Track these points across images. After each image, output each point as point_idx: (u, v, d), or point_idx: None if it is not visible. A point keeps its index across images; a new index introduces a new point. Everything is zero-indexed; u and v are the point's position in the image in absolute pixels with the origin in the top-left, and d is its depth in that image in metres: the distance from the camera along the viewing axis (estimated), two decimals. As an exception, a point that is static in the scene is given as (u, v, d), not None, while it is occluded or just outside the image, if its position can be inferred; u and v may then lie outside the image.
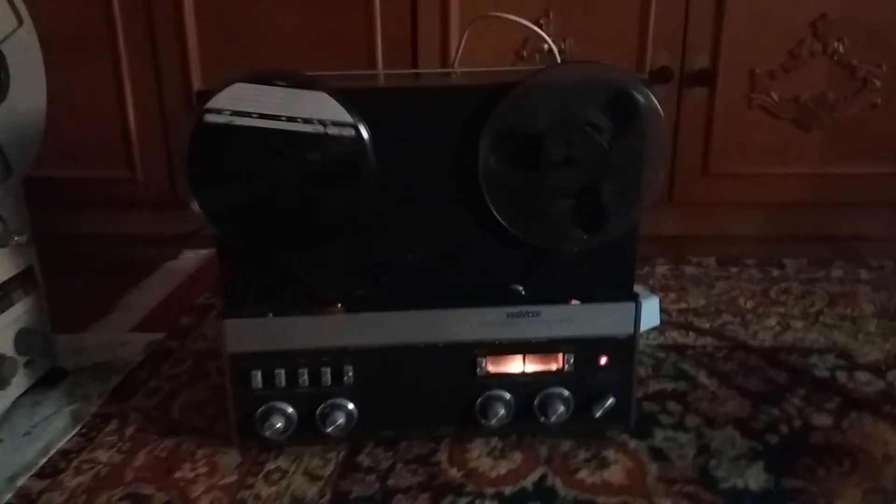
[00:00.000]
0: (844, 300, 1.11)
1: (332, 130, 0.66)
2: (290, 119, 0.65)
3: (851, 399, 0.84)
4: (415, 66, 1.31)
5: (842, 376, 0.89)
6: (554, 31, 1.27)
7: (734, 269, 1.23)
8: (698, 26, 1.26)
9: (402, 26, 1.30)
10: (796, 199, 1.35)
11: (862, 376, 0.89)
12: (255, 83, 0.65)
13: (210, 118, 0.65)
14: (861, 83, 1.27)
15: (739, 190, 1.34)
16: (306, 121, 0.65)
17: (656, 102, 0.68)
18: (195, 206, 0.67)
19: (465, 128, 0.68)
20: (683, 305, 1.10)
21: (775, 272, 1.22)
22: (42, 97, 0.85)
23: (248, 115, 0.65)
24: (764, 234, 1.38)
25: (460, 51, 0.82)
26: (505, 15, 0.82)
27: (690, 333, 1.01)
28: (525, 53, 1.29)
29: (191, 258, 1.33)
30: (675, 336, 1.01)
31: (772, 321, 1.04)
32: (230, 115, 0.65)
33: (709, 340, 0.99)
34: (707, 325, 1.03)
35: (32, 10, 0.84)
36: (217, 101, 0.65)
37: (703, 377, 0.90)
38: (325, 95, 0.65)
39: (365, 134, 0.67)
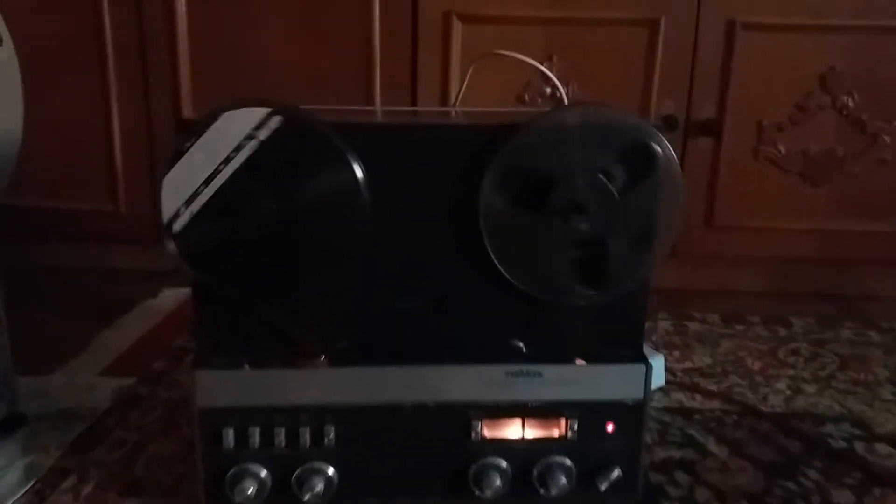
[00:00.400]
0: (856, 364, 1.05)
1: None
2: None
3: (872, 474, 0.78)
4: (414, 104, 1.28)
5: (860, 447, 0.83)
6: (556, 75, 1.23)
7: (739, 327, 1.18)
8: (705, 75, 1.23)
9: (403, 63, 1.27)
10: (802, 255, 1.30)
11: (882, 448, 0.83)
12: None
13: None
14: (871, 139, 1.24)
15: (744, 244, 1.30)
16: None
17: (673, 152, 0.63)
18: (171, 245, 0.61)
19: (468, 168, 0.63)
20: (688, 365, 1.04)
21: (782, 331, 1.17)
22: (18, 121, 0.80)
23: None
24: (768, 289, 1.33)
25: (464, 88, 0.78)
26: (511, 54, 0.78)
27: (697, 396, 0.95)
28: (527, 97, 1.26)
29: (170, 297, 1.27)
30: (682, 398, 0.95)
31: (782, 384, 0.99)
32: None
33: (717, 404, 0.93)
34: (714, 388, 0.98)
35: (15, 26, 0.80)
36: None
37: (712, 445, 0.84)
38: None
39: (359, 172, 0.62)
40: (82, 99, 1.30)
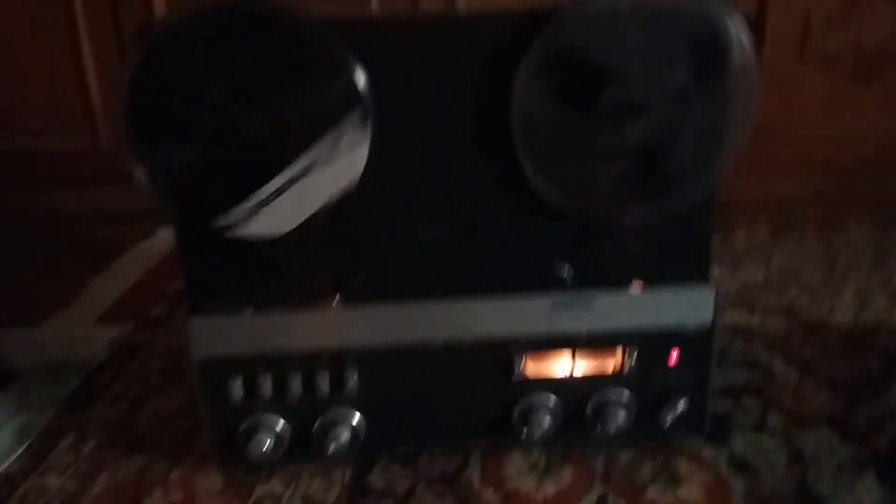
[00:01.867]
0: (925, 269, 0.96)
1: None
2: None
3: (964, 390, 0.69)
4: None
5: (945, 362, 0.74)
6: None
7: (792, 237, 1.07)
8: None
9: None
10: (852, 159, 1.19)
11: (968, 361, 0.74)
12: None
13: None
14: (931, 27, 1.10)
15: (792, 150, 1.18)
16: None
17: (747, 34, 0.51)
18: (139, 173, 0.51)
19: (496, 66, 0.51)
20: (742, 280, 0.95)
21: (839, 239, 1.06)
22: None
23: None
24: (818, 197, 1.22)
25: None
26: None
27: (756, 313, 0.86)
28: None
29: (165, 237, 1.18)
30: (738, 317, 0.85)
31: (847, 296, 0.89)
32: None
33: (778, 321, 0.84)
34: (773, 303, 0.88)
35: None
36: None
37: (779, 366, 0.75)
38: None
39: (362, 79, 0.50)
40: (50, 32, 1.18)
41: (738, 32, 0.51)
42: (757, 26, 1.12)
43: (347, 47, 0.50)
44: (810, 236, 1.08)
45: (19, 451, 0.67)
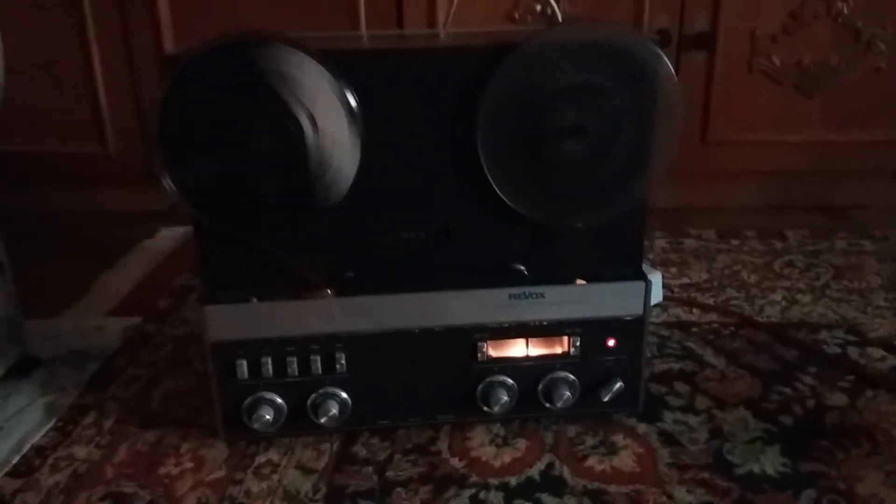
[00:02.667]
0: (850, 272, 1.07)
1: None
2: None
3: (865, 376, 0.81)
4: (400, 28, 1.24)
5: (853, 352, 0.86)
6: (547, -8, 1.21)
7: (735, 242, 1.19)
8: (698, -14, 1.20)
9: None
10: (796, 168, 1.31)
11: (874, 352, 0.86)
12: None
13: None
14: (865, 47, 1.22)
15: (738, 158, 1.30)
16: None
17: (670, 65, 0.63)
18: (168, 183, 0.61)
19: (462, 92, 0.63)
20: (685, 280, 1.06)
21: (777, 244, 1.18)
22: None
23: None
24: (763, 203, 1.34)
25: (454, 6, 0.76)
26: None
27: (694, 310, 0.97)
28: (517, 15, 1.23)
29: (167, 236, 1.27)
30: (679, 313, 0.97)
31: (777, 296, 1.01)
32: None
33: (714, 317, 0.96)
34: (711, 301, 1.00)
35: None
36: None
37: (710, 356, 0.86)
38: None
39: (352, 100, 0.61)
40: (61, 40, 1.26)
41: (662, 62, 0.62)
42: (708, 42, 1.23)
43: (341, 74, 0.60)
44: (752, 241, 1.19)
45: (48, 427, 0.77)
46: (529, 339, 0.70)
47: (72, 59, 1.27)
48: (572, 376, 0.71)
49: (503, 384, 0.70)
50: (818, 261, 1.12)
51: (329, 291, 0.67)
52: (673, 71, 0.62)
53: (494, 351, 0.70)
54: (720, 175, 1.32)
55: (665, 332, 0.91)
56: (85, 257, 1.20)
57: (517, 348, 0.70)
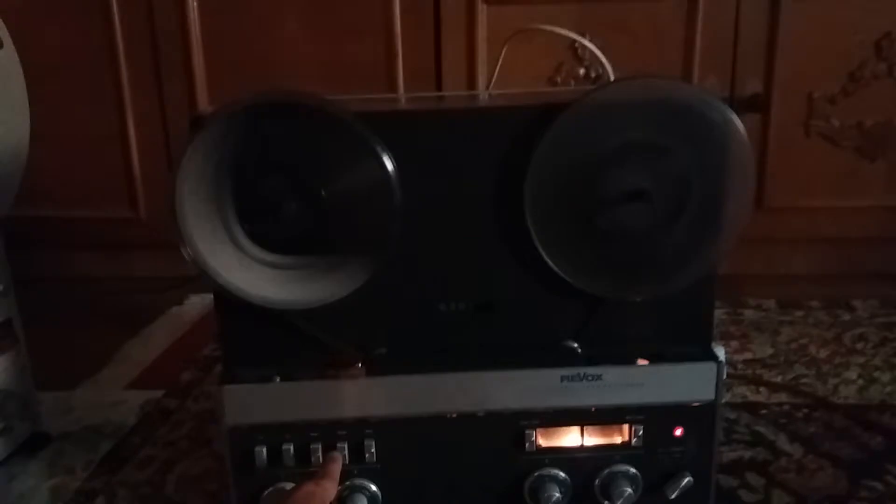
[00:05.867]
0: (931, 348, 0.97)
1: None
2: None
3: (968, 472, 0.71)
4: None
5: (950, 442, 0.76)
6: (590, 55, 1.17)
7: (799, 313, 1.10)
8: (750, 47, 1.15)
9: (426, 52, 1.21)
10: (860, 234, 1.22)
11: (973, 443, 0.76)
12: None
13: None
14: (930, 107, 1.15)
15: (798, 225, 1.22)
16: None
17: (740, 124, 0.56)
18: (187, 252, 0.56)
19: (510, 155, 0.57)
20: (749, 356, 0.97)
21: (845, 315, 1.09)
22: (24, 128, 0.76)
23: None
24: (826, 272, 1.25)
25: (498, 68, 0.72)
26: (548, 27, 0.72)
27: (762, 389, 0.88)
28: (559, 80, 1.19)
29: (197, 303, 1.23)
30: (745, 392, 0.88)
31: (852, 373, 0.91)
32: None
33: (784, 397, 0.86)
34: (779, 379, 0.90)
35: (23, 35, 0.76)
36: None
37: (783, 442, 0.77)
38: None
39: (389, 165, 0.56)
40: (97, 105, 1.26)
41: (728, 117, 0.56)
42: (762, 104, 1.17)
43: (376, 136, 0.55)
44: (817, 312, 1.10)
45: (52, 513, 0.71)
46: (584, 427, 0.62)
47: (105, 121, 1.26)
48: (634, 470, 0.62)
49: (554, 478, 0.62)
50: (893, 334, 1.02)
51: (358, 370, 0.60)
52: (744, 131, 0.56)
53: (544, 440, 0.62)
54: (779, 242, 1.24)
55: (731, 415, 0.82)
56: (109, 326, 1.17)
57: (570, 437, 0.62)
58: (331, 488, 0.56)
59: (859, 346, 0.99)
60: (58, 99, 1.21)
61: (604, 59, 0.71)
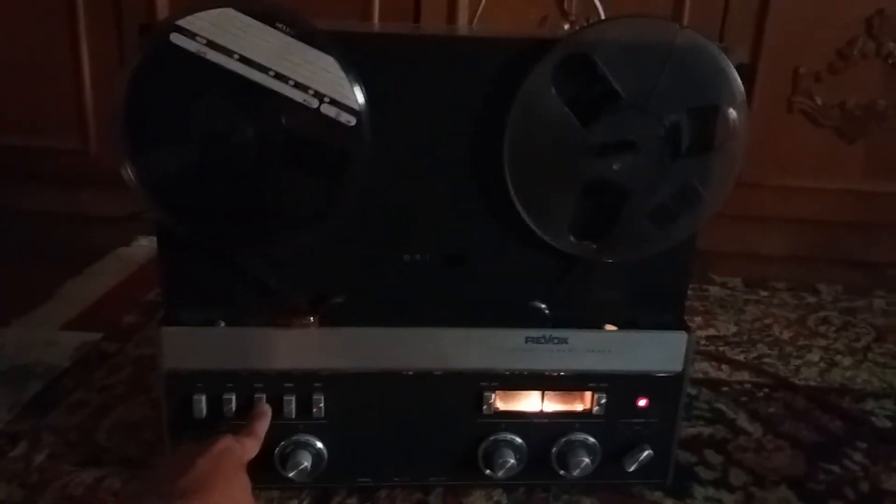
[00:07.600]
0: (893, 336, 0.97)
1: (327, 110, 0.50)
2: (280, 76, 0.50)
3: (925, 458, 0.70)
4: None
5: (908, 428, 0.75)
6: (577, 12, 1.12)
7: (764, 293, 1.09)
8: (740, 16, 1.11)
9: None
10: (832, 218, 1.21)
11: (931, 429, 0.75)
12: (250, 16, 0.49)
13: (177, 40, 0.49)
14: (916, 91, 1.13)
15: (770, 203, 1.20)
16: (299, 85, 0.50)
17: (740, 82, 0.53)
18: (128, 173, 0.51)
19: (491, 93, 0.52)
20: (712, 332, 0.96)
21: (810, 298, 1.08)
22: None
23: (227, 52, 0.49)
24: (793, 253, 1.24)
25: (479, 11, 0.67)
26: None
27: (724, 366, 0.86)
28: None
29: (146, 245, 1.16)
30: (707, 368, 0.86)
31: (814, 356, 0.90)
32: (205, 44, 0.49)
33: (746, 375, 0.85)
34: (742, 358, 0.89)
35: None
36: (192, 22, 0.49)
37: (743, 421, 0.76)
38: (333, 61, 0.49)
39: (359, 96, 0.51)
40: (47, 27, 1.17)
41: (733, 79, 0.53)
42: (750, 77, 1.14)
43: (348, 61, 0.50)
44: (783, 293, 1.09)
45: (-33, 455, 0.65)
46: (546, 393, 0.59)
47: (59, 49, 1.18)
48: (593, 439, 0.60)
49: (510, 444, 0.59)
50: (856, 320, 1.01)
51: (311, 319, 0.56)
52: (744, 90, 0.53)
53: (503, 403, 0.59)
54: (750, 220, 1.22)
55: (691, 390, 0.80)
56: (52, 262, 1.10)
57: (530, 402, 0.59)
58: (251, 448, 0.52)
59: (822, 329, 0.98)
60: (11, 25, 1.13)
61: (597, 2, 0.67)
